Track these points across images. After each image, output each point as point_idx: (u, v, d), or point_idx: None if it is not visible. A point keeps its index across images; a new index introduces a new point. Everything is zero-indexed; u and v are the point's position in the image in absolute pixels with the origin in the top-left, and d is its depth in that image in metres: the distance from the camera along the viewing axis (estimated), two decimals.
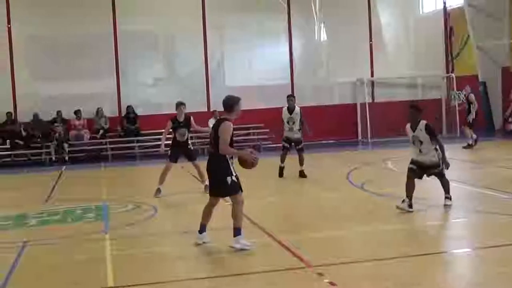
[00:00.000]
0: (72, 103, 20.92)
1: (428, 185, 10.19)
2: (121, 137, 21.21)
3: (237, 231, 7.80)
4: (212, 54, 22.81)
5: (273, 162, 14.41)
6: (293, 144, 13.91)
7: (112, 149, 20.95)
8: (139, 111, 21.53)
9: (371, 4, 24.12)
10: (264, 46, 23.31)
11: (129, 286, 6.77)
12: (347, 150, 20.41)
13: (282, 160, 13.88)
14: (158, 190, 12.30)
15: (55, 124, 20.42)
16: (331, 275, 6.59)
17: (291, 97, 14.12)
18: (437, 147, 9.56)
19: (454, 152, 17.86)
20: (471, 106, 18.50)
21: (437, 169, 9.65)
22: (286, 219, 10.02)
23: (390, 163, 15.66)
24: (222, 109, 8.13)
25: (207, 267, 7.52)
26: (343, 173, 14.36)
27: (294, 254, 7.50)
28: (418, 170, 9.64)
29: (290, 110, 13.88)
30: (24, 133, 20.28)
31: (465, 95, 19.03)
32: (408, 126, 9.77)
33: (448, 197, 9.85)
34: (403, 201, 9.57)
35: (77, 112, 20.93)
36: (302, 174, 13.91)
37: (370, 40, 24.10)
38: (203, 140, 18.74)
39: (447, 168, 9.67)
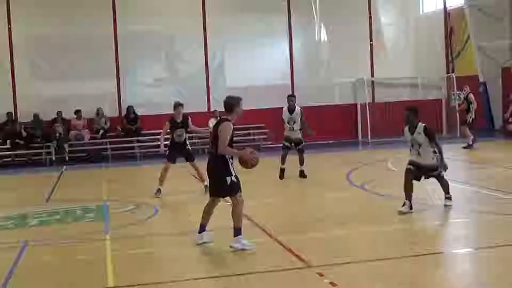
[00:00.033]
0: (73, 103, 20.93)
1: (428, 185, 10.18)
2: (121, 137, 21.21)
3: (237, 231, 7.80)
4: (212, 54, 22.81)
5: (274, 162, 14.40)
6: (293, 144, 13.90)
7: (112, 149, 20.95)
8: (140, 111, 21.53)
9: (371, 4, 24.13)
10: (264, 46, 23.30)
11: (129, 286, 6.77)
12: (347, 150, 20.41)
13: (283, 161, 13.84)
14: (159, 190, 12.31)
15: (56, 124, 20.42)
16: (332, 275, 6.59)
17: (291, 97, 14.09)
18: (436, 149, 9.51)
19: (454, 152, 17.89)
20: (471, 106, 18.50)
21: (435, 172, 9.62)
22: (286, 219, 10.02)
23: (391, 163, 15.66)
24: (222, 109, 8.14)
25: (207, 267, 7.52)
26: (343, 173, 14.36)
27: (295, 254, 7.50)
28: (416, 170, 9.61)
29: (291, 110, 13.87)
30: (24, 133, 20.28)
31: (464, 95, 19.00)
32: (406, 129, 9.73)
33: (448, 197, 9.84)
34: (404, 204, 9.55)
35: (77, 112, 20.95)
36: (302, 174, 13.90)
37: (371, 40, 24.10)
38: (203, 140, 18.74)
39: (445, 170, 9.64)
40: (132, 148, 21.19)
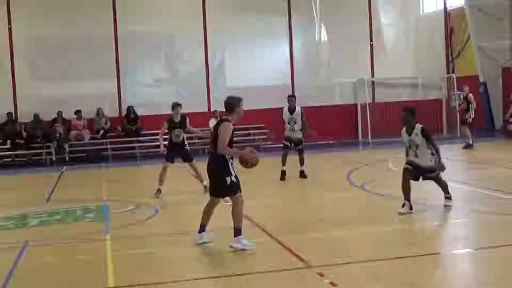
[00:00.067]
0: (73, 103, 20.94)
1: (428, 185, 10.16)
2: (121, 138, 21.21)
3: (237, 231, 7.80)
4: (212, 55, 22.81)
5: (274, 162, 14.40)
6: (292, 144, 13.88)
7: (112, 149, 20.96)
8: (140, 112, 21.54)
9: (371, 4, 24.13)
10: (264, 46, 23.31)
11: (129, 286, 6.77)
12: (348, 150, 20.41)
13: (284, 163, 13.79)
14: (159, 191, 12.32)
15: (56, 124, 20.42)
16: (332, 275, 6.59)
17: (291, 98, 14.07)
18: (433, 150, 9.49)
19: (454, 152, 17.90)
20: (470, 105, 18.50)
21: (433, 174, 9.59)
22: (286, 219, 10.02)
23: (391, 163, 15.65)
24: (223, 109, 8.14)
25: (207, 267, 7.52)
26: (343, 173, 14.36)
27: (295, 255, 7.50)
28: (413, 170, 9.59)
29: (291, 110, 13.85)
30: (24, 133, 20.29)
31: (464, 94, 18.99)
32: (403, 130, 9.71)
33: (448, 197, 9.82)
34: (403, 205, 9.54)
35: (77, 112, 20.96)
36: (302, 175, 13.90)
37: (371, 41, 24.10)
38: (203, 140, 18.74)
39: (442, 171, 9.62)
40: (132, 148, 21.19)
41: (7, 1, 21.07)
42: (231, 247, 7.78)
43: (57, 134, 20.12)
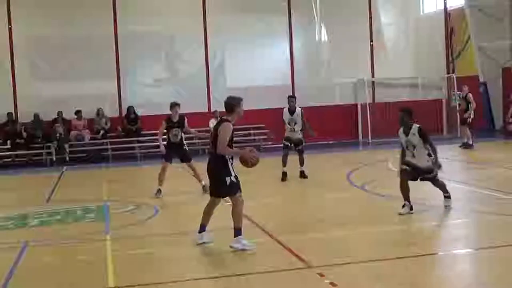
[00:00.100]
0: (73, 104, 20.93)
1: (427, 186, 10.15)
2: (121, 138, 21.22)
3: (237, 231, 7.81)
4: (212, 55, 22.81)
5: (274, 163, 14.40)
6: (292, 144, 13.87)
7: (112, 149, 20.96)
8: (140, 112, 21.54)
9: (371, 4, 24.13)
10: (264, 46, 23.31)
11: (129, 286, 6.77)
12: (348, 151, 20.41)
13: (284, 163, 13.74)
14: (159, 191, 12.32)
15: (56, 124, 20.42)
16: (332, 275, 6.59)
17: (291, 98, 14.04)
18: (430, 151, 9.48)
19: (454, 153, 17.90)
20: (470, 105, 18.50)
21: (430, 174, 9.58)
22: (286, 219, 10.02)
23: (391, 164, 15.63)
24: (223, 109, 8.14)
25: (207, 267, 7.52)
26: (343, 173, 14.36)
27: (295, 255, 7.50)
28: (411, 171, 9.58)
29: (291, 111, 13.84)
30: (24, 134, 20.29)
31: (463, 94, 18.99)
32: (400, 130, 9.71)
33: (447, 196, 9.80)
34: (403, 206, 9.54)
35: (77, 113, 20.96)
36: (302, 175, 13.89)
37: (371, 41, 24.10)
38: (203, 140, 18.74)
39: (439, 169, 9.61)
40: (133, 148, 21.20)
41: (7, 1, 21.07)
42: (231, 247, 7.78)
43: (57, 134, 20.12)
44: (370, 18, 24.07)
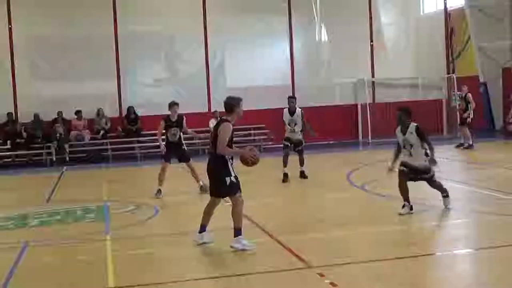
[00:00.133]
0: (73, 104, 20.92)
1: (427, 186, 10.15)
2: (121, 138, 21.21)
3: (237, 232, 7.81)
4: (212, 55, 22.81)
5: (274, 163, 14.40)
6: (292, 145, 13.85)
7: (112, 149, 20.96)
8: (140, 112, 21.53)
9: (371, 4, 24.12)
10: (265, 46, 23.30)
11: (129, 286, 6.77)
12: (348, 151, 20.40)
13: (285, 164, 13.68)
14: (159, 191, 12.32)
15: (56, 124, 20.42)
16: (332, 275, 6.60)
17: (292, 99, 14.00)
18: (428, 151, 9.48)
19: (454, 153, 17.90)
20: (469, 105, 18.49)
21: (427, 174, 9.58)
22: (286, 219, 10.02)
23: (391, 164, 15.62)
24: (223, 109, 8.14)
25: (207, 267, 7.53)
26: (343, 173, 14.36)
27: (295, 255, 7.50)
28: (408, 171, 9.58)
29: (291, 111, 13.81)
30: (24, 134, 20.29)
31: (463, 94, 18.98)
32: (398, 129, 9.71)
33: (445, 196, 9.79)
34: (403, 206, 9.55)
35: (78, 113, 20.96)
36: (302, 175, 13.89)
37: (371, 41, 24.10)
38: (204, 140, 18.74)
39: (434, 165, 9.60)
40: (133, 148, 21.19)
41: (7, 1, 21.06)
42: (231, 247, 7.78)
43: (58, 135, 20.12)
44: (370, 18, 24.07)
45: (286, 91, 20.54)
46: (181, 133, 12.59)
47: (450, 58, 24.85)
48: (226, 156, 7.85)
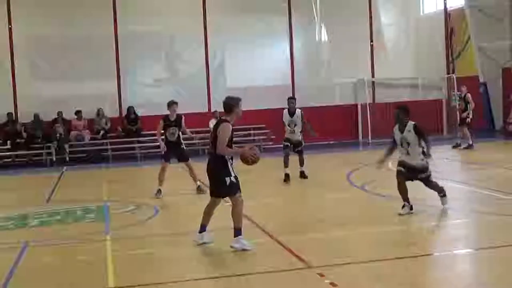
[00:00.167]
0: (73, 104, 20.93)
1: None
2: (121, 138, 21.21)
3: (237, 232, 7.81)
4: (212, 55, 22.81)
5: (274, 163, 14.40)
6: (292, 145, 13.83)
7: (113, 149, 20.96)
8: (140, 112, 21.53)
9: (371, 4, 24.13)
10: (265, 46, 23.30)
11: (130, 286, 6.77)
12: (348, 151, 20.40)
13: (286, 164, 13.65)
14: (159, 191, 12.33)
15: (56, 124, 20.42)
16: (332, 275, 6.60)
17: (291, 100, 13.95)
18: (425, 149, 9.48)
19: (454, 153, 17.91)
20: (468, 105, 18.49)
21: (424, 174, 9.58)
22: (286, 219, 10.02)
23: (391, 164, 15.62)
24: (222, 109, 8.14)
25: (207, 267, 7.53)
26: (343, 173, 14.36)
27: (295, 255, 7.50)
28: (406, 171, 9.58)
29: (291, 112, 13.77)
30: (25, 134, 20.30)
31: (462, 94, 18.97)
32: (395, 128, 9.72)
33: (442, 195, 9.78)
34: (403, 206, 9.55)
35: (78, 113, 20.96)
36: (302, 175, 13.89)
37: (371, 41, 24.10)
38: (204, 140, 18.74)
39: (429, 158, 9.58)
40: (133, 148, 21.19)
41: (7, 1, 21.07)
42: (231, 247, 7.78)
43: (58, 135, 20.12)
44: (370, 18, 24.08)
45: (286, 91, 20.56)
46: (180, 133, 12.60)
47: (450, 58, 24.85)
48: (226, 156, 7.85)
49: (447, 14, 24.79)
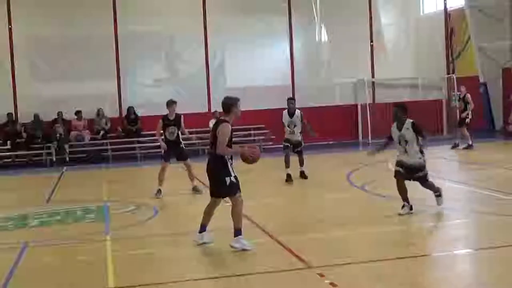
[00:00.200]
0: (73, 104, 20.92)
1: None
2: (121, 138, 21.21)
3: (237, 232, 7.81)
4: (212, 55, 22.81)
5: (274, 163, 14.40)
6: (291, 146, 13.82)
7: (113, 150, 20.95)
8: (140, 112, 21.53)
9: (371, 4, 24.12)
10: (264, 46, 23.30)
11: (130, 287, 6.77)
12: (348, 151, 20.39)
13: (287, 164, 13.63)
14: (159, 191, 12.33)
15: (56, 124, 20.42)
16: (332, 275, 6.60)
17: (291, 100, 13.92)
18: (422, 144, 9.49)
19: (454, 153, 17.90)
20: (468, 106, 18.49)
21: (421, 173, 9.58)
22: (286, 219, 10.02)
23: (391, 164, 15.61)
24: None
25: (207, 267, 7.53)
26: (343, 174, 14.35)
27: (295, 255, 7.50)
28: (404, 171, 9.59)
29: (290, 113, 13.75)
30: (24, 134, 20.30)
31: (462, 95, 18.96)
32: (394, 126, 9.72)
33: (437, 195, 9.78)
34: (403, 206, 9.55)
35: (78, 113, 20.95)
36: (302, 175, 13.88)
37: (371, 41, 24.10)
38: (204, 140, 18.73)
39: (427, 146, 9.57)
40: (133, 149, 21.19)
41: (7, 1, 21.07)
42: (231, 247, 7.78)
43: (58, 135, 20.12)
44: (370, 18, 24.07)
45: (286, 91, 20.56)
46: (179, 132, 12.61)
47: (450, 58, 24.85)
48: (226, 156, 7.85)
49: (447, 14, 24.79)
